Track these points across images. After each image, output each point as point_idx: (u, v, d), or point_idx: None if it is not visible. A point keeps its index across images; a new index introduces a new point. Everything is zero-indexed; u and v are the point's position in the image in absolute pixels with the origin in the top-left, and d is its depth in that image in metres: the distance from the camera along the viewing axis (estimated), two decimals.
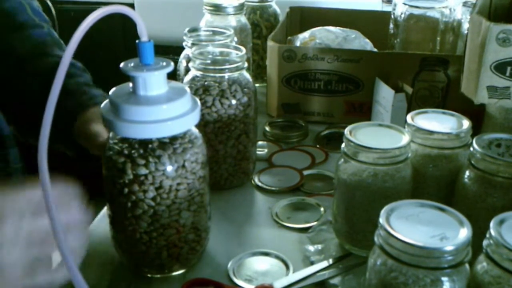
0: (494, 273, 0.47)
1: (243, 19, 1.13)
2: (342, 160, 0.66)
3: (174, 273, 0.65)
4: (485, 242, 0.48)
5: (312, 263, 0.67)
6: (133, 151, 0.58)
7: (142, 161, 0.57)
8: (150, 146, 0.58)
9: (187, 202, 0.61)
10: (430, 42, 1.07)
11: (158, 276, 0.65)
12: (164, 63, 0.58)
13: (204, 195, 0.64)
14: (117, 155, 0.58)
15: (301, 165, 0.90)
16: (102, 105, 0.59)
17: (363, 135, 0.64)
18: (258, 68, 1.24)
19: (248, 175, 0.85)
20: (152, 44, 0.56)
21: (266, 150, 0.96)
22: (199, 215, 0.64)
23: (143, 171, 0.58)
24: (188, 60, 0.91)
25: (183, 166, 0.59)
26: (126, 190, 0.59)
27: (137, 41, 0.56)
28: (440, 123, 0.67)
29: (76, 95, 0.75)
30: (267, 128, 1.02)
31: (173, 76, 0.64)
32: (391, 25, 1.11)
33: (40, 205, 0.46)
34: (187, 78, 0.79)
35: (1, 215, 0.47)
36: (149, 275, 0.65)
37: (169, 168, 0.58)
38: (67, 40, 0.49)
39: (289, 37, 1.14)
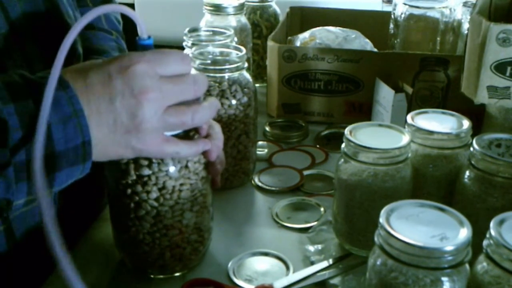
0: (494, 273, 0.47)
1: (243, 19, 1.13)
2: (342, 160, 0.66)
3: (176, 274, 0.65)
4: (485, 242, 0.48)
5: (312, 263, 0.67)
6: None
7: (145, 162, 0.57)
8: None
9: (190, 202, 0.61)
10: (430, 42, 1.07)
11: (160, 276, 0.65)
12: None
13: (207, 195, 0.64)
14: None
15: (301, 165, 0.90)
16: None
17: (363, 135, 0.64)
18: (258, 68, 1.24)
19: (248, 175, 0.85)
20: (151, 41, 0.56)
21: (266, 150, 0.96)
22: (202, 216, 0.64)
23: (146, 171, 0.58)
24: None
25: (186, 166, 0.59)
26: (129, 190, 0.59)
27: (136, 38, 0.56)
28: (440, 123, 0.67)
29: None
30: (267, 128, 1.02)
31: None
32: (391, 25, 1.11)
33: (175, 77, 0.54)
34: None
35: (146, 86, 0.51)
36: (151, 276, 0.65)
37: (172, 169, 0.58)
38: None
39: (289, 37, 1.14)
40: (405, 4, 1.06)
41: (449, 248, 0.46)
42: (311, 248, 0.69)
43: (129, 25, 0.87)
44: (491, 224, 0.48)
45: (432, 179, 0.67)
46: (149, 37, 0.55)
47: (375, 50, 1.07)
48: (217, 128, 0.65)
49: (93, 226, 0.75)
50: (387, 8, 1.26)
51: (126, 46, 0.88)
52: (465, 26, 1.06)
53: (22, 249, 0.65)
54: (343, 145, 0.65)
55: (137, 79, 0.51)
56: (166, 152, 0.55)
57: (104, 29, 0.85)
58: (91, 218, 0.76)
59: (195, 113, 0.55)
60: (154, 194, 0.59)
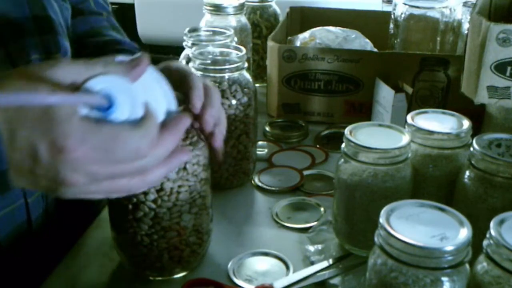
0: (494, 273, 0.47)
1: (243, 19, 1.13)
2: (342, 160, 0.66)
3: (174, 276, 0.65)
4: (485, 242, 0.48)
5: (312, 263, 0.67)
6: None
7: None
8: None
9: (189, 204, 0.61)
10: (430, 42, 1.07)
11: (158, 278, 0.65)
12: None
13: (206, 197, 0.64)
14: None
15: (301, 165, 0.90)
16: None
17: (363, 135, 0.64)
18: (258, 68, 1.24)
19: (248, 175, 0.85)
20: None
21: (266, 150, 0.96)
22: (201, 218, 0.63)
23: None
24: (188, 60, 0.91)
25: (184, 168, 0.59)
26: None
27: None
28: (440, 123, 0.67)
29: None
30: (267, 128, 1.02)
31: None
32: (391, 25, 1.11)
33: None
34: None
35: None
36: (150, 278, 0.65)
37: None
38: None
39: (289, 37, 1.14)
40: (405, 4, 1.06)
41: (449, 248, 0.46)
42: (311, 248, 0.69)
43: (129, 25, 0.87)
44: (491, 224, 0.48)
45: (432, 179, 0.67)
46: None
47: (375, 50, 1.07)
48: (213, 89, 0.61)
49: (92, 226, 0.75)
50: (387, 8, 1.25)
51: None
52: (465, 26, 1.06)
53: (7, 256, 0.64)
54: (343, 145, 0.65)
55: (67, 169, 0.42)
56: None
57: (94, 12, 0.86)
58: (89, 219, 0.76)
59: (134, 185, 0.46)
60: (152, 196, 0.58)
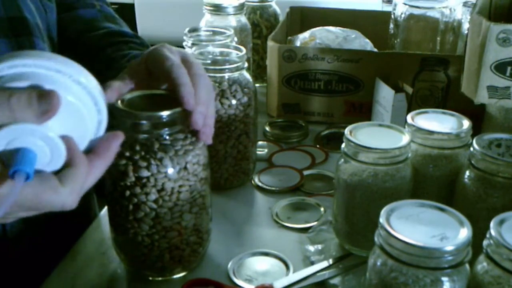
0: (494, 273, 0.47)
1: (243, 19, 1.13)
2: (342, 160, 0.66)
3: (174, 276, 0.65)
4: (485, 242, 0.48)
5: (312, 263, 0.67)
6: (134, 154, 0.58)
7: (144, 163, 0.57)
8: (151, 148, 0.58)
9: (189, 204, 0.61)
10: (430, 42, 1.07)
11: (158, 278, 0.65)
12: None
13: (206, 196, 0.64)
14: (118, 158, 0.58)
15: (301, 165, 0.90)
16: None
17: (363, 135, 0.64)
18: (258, 68, 1.24)
19: (248, 175, 0.85)
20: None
21: (266, 150, 0.96)
22: (201, 217, 0.64)
23: (145, 173, 0.57)
24: None
25: (185, 168, 0.59)
26: (128, 192, 0.59)
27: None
28: (440, 123, 0.67)
29: (117, 62, 0.73)
30: (267, 128, 1.02)
31: None
32: (391, 25, 1.11)
33: None
34: None
35: None
36: (150, 278, 0.65)
37: (171, 170, 0.58)
38: None
39: (289, 37, 1.14)
40: (405, 4, 1.06)
41: (449, 248, 0.46)
42: (311, 248, 0.69)
43: (129, 25, 0.87)
44: (491, 224, 0.48)
45: (432, 179, 0.67)
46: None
47: (375, 50, 1.07)
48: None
49: (92, 227, 0.75)
50: (387, 8, 1.26)
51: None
52: (465, 26, 1.06)
53: None
54: (343, 145, 0.65)
55: None
56: None
57: (84, 5, 0.83)
58: (81, 221, 0.76)
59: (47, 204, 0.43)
60: (153, 196, 0.58)
